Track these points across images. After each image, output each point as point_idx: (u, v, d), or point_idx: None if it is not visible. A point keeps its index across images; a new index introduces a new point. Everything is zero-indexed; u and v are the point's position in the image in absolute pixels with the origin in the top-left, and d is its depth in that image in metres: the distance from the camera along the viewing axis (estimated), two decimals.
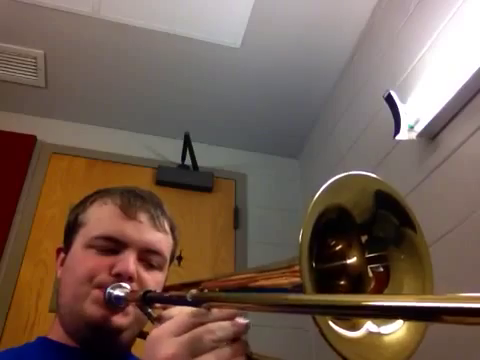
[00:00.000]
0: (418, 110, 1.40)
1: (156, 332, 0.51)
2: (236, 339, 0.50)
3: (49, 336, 0.74)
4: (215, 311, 0.50)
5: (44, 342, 0.73)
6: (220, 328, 0.49)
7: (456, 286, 1.11)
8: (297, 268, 0.45)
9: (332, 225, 0.50)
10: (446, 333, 1.10)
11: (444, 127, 1.34)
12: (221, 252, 2.24)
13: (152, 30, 1.99)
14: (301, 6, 1.89)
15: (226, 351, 0.48)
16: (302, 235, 0.45)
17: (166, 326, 0.50)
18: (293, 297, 0.40)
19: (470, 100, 1.25)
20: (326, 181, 0.48)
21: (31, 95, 2.30)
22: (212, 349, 0.48)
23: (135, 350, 0.78)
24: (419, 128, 1.38)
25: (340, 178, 0.48)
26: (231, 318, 0.50)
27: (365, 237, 0.52)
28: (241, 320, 0.50)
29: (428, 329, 0.47)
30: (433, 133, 1.37)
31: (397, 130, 1.41)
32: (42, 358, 0.70)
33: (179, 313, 0.52)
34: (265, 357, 0.52)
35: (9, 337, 1.82)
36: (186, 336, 0.48)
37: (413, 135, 1.40)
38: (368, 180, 0.51)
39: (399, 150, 1.55)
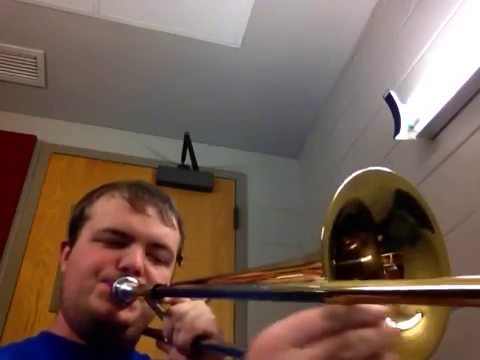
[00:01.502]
0: (418, 110, 1.40)
1: (271, 337, 0.35)
2: (379, 354, 0.34)
3: (53, 331, 0.73)
4: (356, 312, 0.34)
5: (47, 337, 0.72)
6: (363, 341, 0.33)
7: None
8: (317, 265, 0.43)
9: (350, 222, 0.48)
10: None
11: (444, 127, 1.34)
12: (221, 252, 2.24)
13: (152, 30, 1.99)
14: (301, 6, 1.89)
15: None
16: (324, 231, 0.43)
17: (286, 330, 0.35)
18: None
19: (470, 100, 1.25)
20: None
21: (31, 95, 2.30)
22: None
23: (139, 348, 0.78)
24: (419, 128, 1.38)
25: (360, 174, 0.48)
26: (376, 322, 0.35)
27: (381, 236, 0.51)
28: (390, 325, 0.36)
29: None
30: (433, 133, 1.37)
31: (397, 130, 1.41)
32: (45, 353, 0.69)
33: (304, 312, 0.36)
34: None
35: (9, 337, 1.81)
36: (315, 350, 0.33)
37: (413, 135, 1.40)
38: (387, 177, 0.50)
39: (399, 150, 1.55)
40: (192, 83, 2.23)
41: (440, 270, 0.49)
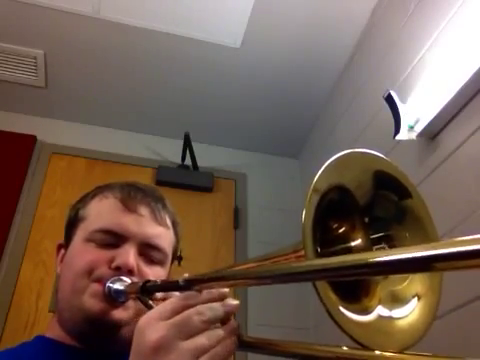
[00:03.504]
0: (418, 110, 1.40)
1: (145, 318, 0.49)
2: (227, 320, 0.49)
3: (47, 335, 0.73)
4: (205, 293, 0.50)
5: (42, 341, 0.72)
6: (210, 309, 0.48)
7: (455, 286, 1.11)
8: (302, 253, 0.44)
9: (334, 207, 0.48)
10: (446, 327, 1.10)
11: (444, 127, 1.34)
12: (221, 252, 2.24)
13: (152, 30, 1.99)
14: (301, 6, 1.89)
15: (217, 332, 0.47)
16: (305, 216, 0.44)
17: (155, 310, 0.50)
18: (285, 266, 0.40)
19: (470, 100, 1.25)
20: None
21: (31, 95, 2.30)
22: (203, 331, 0.47)
23: None
24: (419, 128, 1.38)
25: (340, 156, 0.48)
26: (221, 299, 0.50)
27: (368, 218, 0.51)
28: (231, 300, 0.50)
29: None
30: (433, 133, 1.37)
31: (397, 130, 1.41)
32: (40, 357, 0.69)
33: (171, 298, 0.51)
34: (257, 338, 0.51)
35: (9, 337, 1.82)
36: (175, 318, 0.47)
37: (413, 135, 1.40)
38: (369, 159, 0.51)
39: (399, 150, 1.55)
40: (192, 83, 2.23)
41: (428, 237, 0.50)
